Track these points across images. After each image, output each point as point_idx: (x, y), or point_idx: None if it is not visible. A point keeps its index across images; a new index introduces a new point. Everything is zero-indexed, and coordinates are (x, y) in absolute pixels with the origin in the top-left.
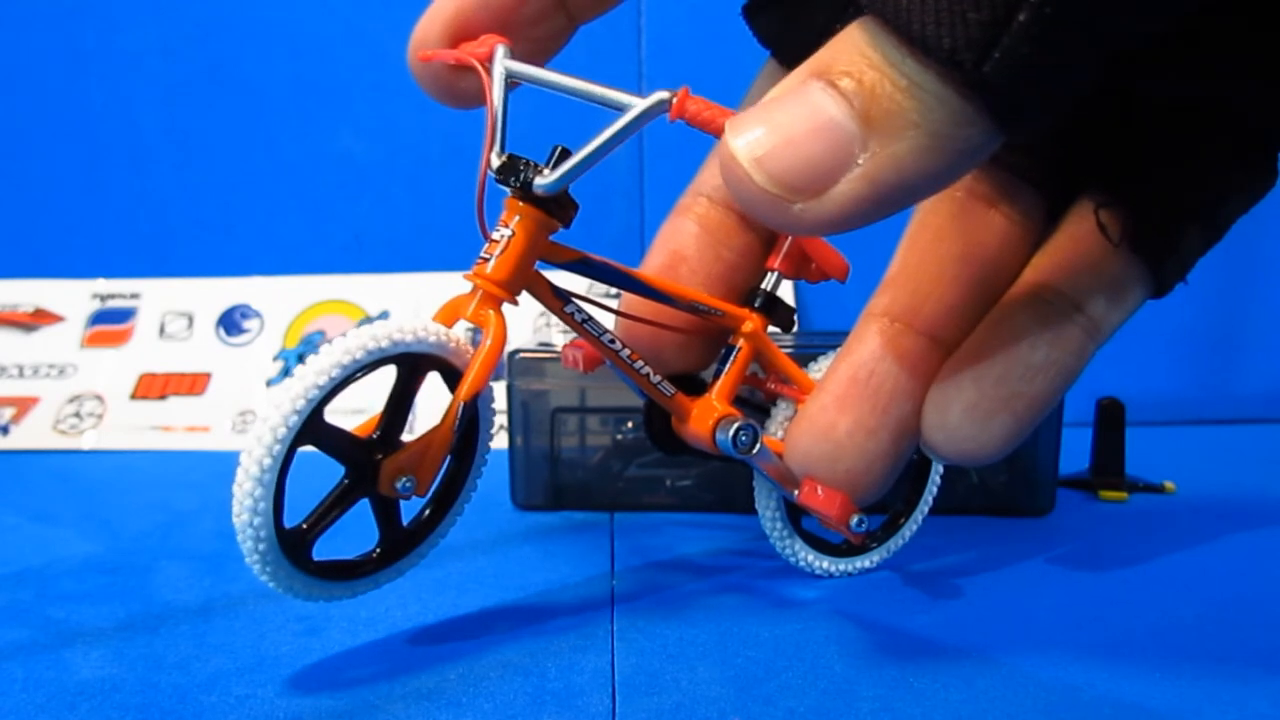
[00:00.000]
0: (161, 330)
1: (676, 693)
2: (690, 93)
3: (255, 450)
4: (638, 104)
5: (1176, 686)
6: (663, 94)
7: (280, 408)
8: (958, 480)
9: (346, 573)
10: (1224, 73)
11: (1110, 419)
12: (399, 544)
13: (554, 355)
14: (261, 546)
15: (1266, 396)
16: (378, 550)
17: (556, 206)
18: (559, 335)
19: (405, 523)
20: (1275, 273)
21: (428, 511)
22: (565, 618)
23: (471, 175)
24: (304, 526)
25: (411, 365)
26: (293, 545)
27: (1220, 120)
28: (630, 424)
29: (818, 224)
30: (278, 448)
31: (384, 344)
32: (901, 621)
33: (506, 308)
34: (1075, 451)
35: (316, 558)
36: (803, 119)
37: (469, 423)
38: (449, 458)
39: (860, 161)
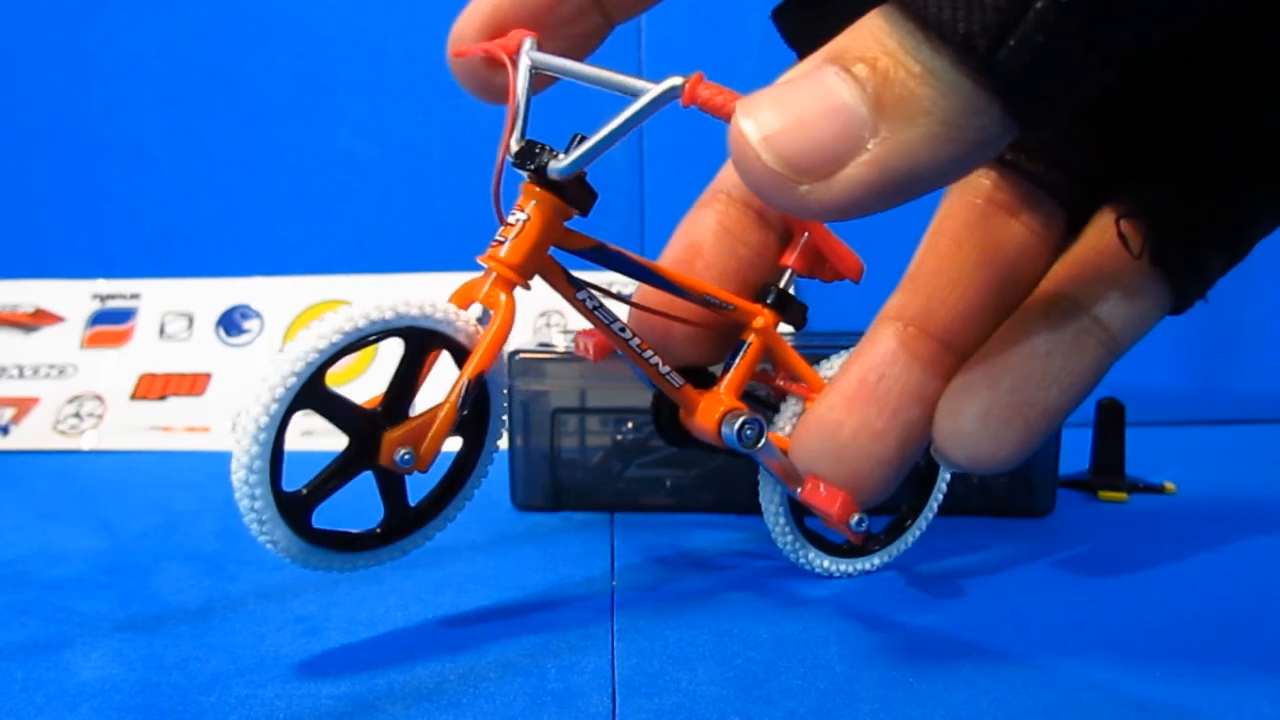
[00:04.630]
0: (161, 330)
1: (676, 693)
2: (705, 79)
3: (253, 409)
4: (651, 89)
5: (1176, 686)
6: (675, 80)
7: (279, 368)
8: (958, 481)
9: (348, 545)
10: (1256, 91)
11: (1110, 419)
12: (404, 522)
13: (554, 355)
14: (258, 504)
15: (1267, 396)
16: (381, 526)
17: (574, 193)
18: (559, 336)
19: (413, 503)
20: (1276, 273)
21: (436, 493)
22: (565, 618)
23: (474, 175)
24: (304, 491)
25: (418, 341)
26: (291, 509)
27: (1251, 138)
28: (630, 424)
29: (823, 207)
30: (275, 407)
31: (388, 315)
32: (902, 622)
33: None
34: (1075, 452)
35: (317, 525)
36: (814, 101)
37: (480, 408)
38: (461, 441)
39: (870, 146)
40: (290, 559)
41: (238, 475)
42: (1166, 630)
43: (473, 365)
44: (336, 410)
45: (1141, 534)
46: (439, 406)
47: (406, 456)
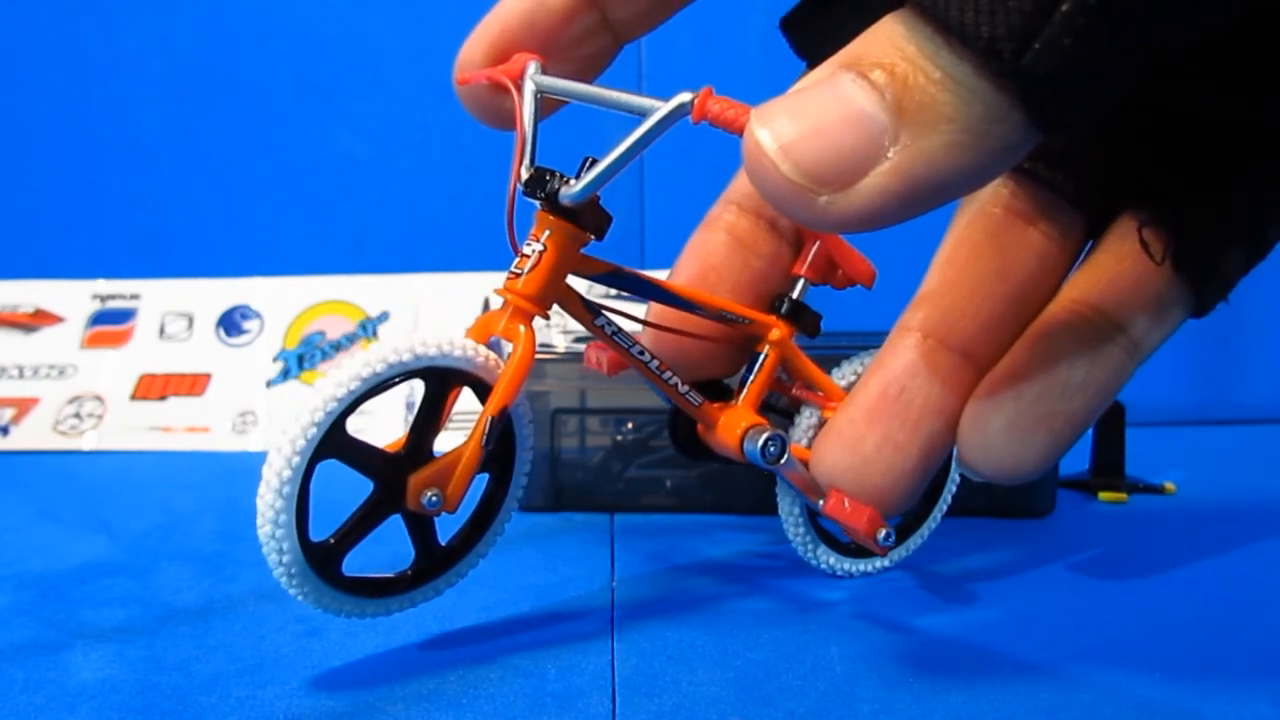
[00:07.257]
0: (161, 331)
1: (676, 694)
2: (714, 93)
3: (275, 462)
4: (660, 108)
5: (1176, 687)
6: (685, 96)
7: (299, 419)
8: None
9: (380, 590)
10: (1272, 91)
11: (1110, 420)
12: (435, 563)
13: (554, 356)
14: (286, 559)
15: (1267, 398)
16: (412, 569)
17: (588, 219)
18: (559, 336)
19: (443, 542)
20: (1276, 274)
21: (466, 530)
22: (565, 619)
23: (474, 175)
24: (332, 541)
25: (439, 380)
26: (321, 559)
27: (1269, 139)
28: (630, 425)
29: (844, 218)
30: (296, 459)
31: (405, 357)
32: (901, 622)
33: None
34: (1075, 452)
35: (348, 573)
36: (832, 109)
37: (504, 440)
38: (487, 476)
39: (890, 155)
40: (322, 609)
41: (264, 530)
42: (1166, 631)
43: (495, 401)
44: (360, 456)
45: (1141, 534)
46: (464, 445)
47: (434, 498)
